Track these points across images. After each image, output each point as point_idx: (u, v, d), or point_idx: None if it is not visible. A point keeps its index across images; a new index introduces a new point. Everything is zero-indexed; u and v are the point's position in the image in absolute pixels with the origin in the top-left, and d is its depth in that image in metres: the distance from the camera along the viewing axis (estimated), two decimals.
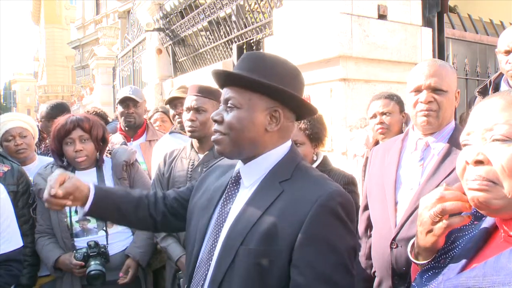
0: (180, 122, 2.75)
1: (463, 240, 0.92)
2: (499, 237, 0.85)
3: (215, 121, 1.17)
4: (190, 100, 2.16)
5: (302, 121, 1.99)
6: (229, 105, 1.15)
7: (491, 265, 0.77)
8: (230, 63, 4.78)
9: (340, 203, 1.06)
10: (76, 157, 2.11)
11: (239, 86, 1.14)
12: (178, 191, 1.45)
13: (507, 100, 0.82)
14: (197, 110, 2.13)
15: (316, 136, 2.02)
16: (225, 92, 1.18)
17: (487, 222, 0.90)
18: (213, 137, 1.18)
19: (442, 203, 0.89)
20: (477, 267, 0.79)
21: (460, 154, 0.86)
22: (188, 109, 2.17)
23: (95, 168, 2.22)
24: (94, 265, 1.99)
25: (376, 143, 2.52)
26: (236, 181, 1.22)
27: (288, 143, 1.21)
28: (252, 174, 1.18)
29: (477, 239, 0.88)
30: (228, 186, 1.23)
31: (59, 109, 3.27)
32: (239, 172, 1.22)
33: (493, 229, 0.88)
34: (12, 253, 1.75)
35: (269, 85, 1.11)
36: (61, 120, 2.17)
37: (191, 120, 2.14)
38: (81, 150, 2.11)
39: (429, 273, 0.92)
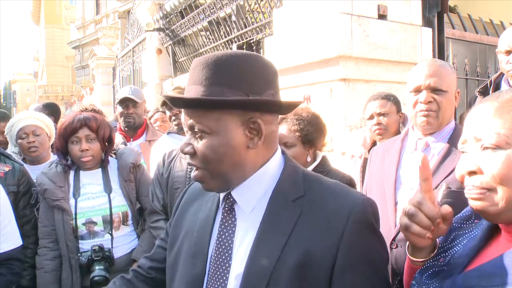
0: (178, 124, 2.73)
1: (463, 239, 0.92)
2: (501, 237, 0.85)
3: (186, 153, 0.96)
4: None
5: (293, 123, 1.92)
6: (196, 131, 0.94)
7: (495, 264, 0.77)
8: None
9: (372, 213, 0.94)
10: (82, 157, 2.08)
11: (201, 108, 0.93)
12: (151, 257, 1.23)
13: (498, 103, 0.83)
14: None
15: (306, 138, 1.93)
16: (187, 117, 0.95)
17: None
18: (192, 175, 0.99)
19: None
20: (481, 266, 0.80)
21: (458, 163, 0.88)
22: None
23: (100, 169, 2.19)
24: (98, 271, 1.98)
25: (374, 143, 2.52)
26: (230, 208, 1.00)
27: (279, 152, 1.03)
28: (250, 196, 0.98)
29: (479, 238, 0.88)
30: (220, 217, 1.02)
31: (53, 108, 3.28)
32: (231, 197, 0.99)
33: (495, 228, 0.88)
34: (12, 251, 1.75)
35: (238, 101, 0.91)
36: (68, 118, 2.14)
37: None
38: (87, 149, 2.08)
39: (429, 272, 0.91)
